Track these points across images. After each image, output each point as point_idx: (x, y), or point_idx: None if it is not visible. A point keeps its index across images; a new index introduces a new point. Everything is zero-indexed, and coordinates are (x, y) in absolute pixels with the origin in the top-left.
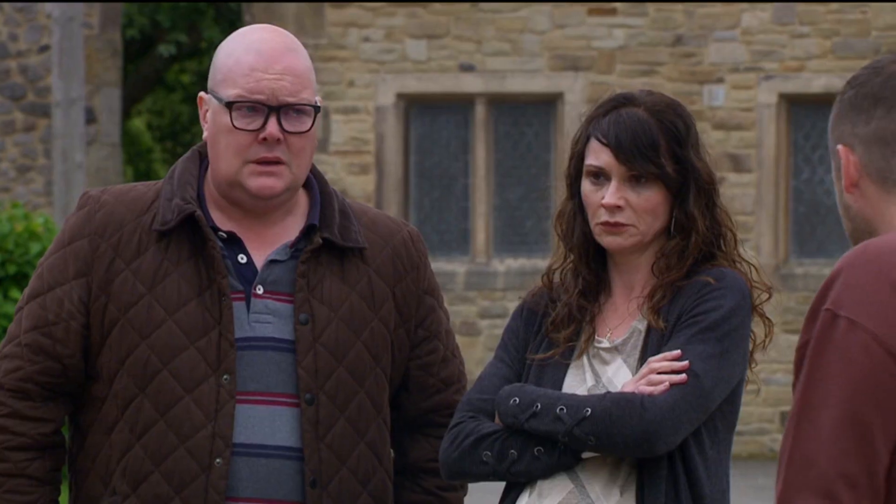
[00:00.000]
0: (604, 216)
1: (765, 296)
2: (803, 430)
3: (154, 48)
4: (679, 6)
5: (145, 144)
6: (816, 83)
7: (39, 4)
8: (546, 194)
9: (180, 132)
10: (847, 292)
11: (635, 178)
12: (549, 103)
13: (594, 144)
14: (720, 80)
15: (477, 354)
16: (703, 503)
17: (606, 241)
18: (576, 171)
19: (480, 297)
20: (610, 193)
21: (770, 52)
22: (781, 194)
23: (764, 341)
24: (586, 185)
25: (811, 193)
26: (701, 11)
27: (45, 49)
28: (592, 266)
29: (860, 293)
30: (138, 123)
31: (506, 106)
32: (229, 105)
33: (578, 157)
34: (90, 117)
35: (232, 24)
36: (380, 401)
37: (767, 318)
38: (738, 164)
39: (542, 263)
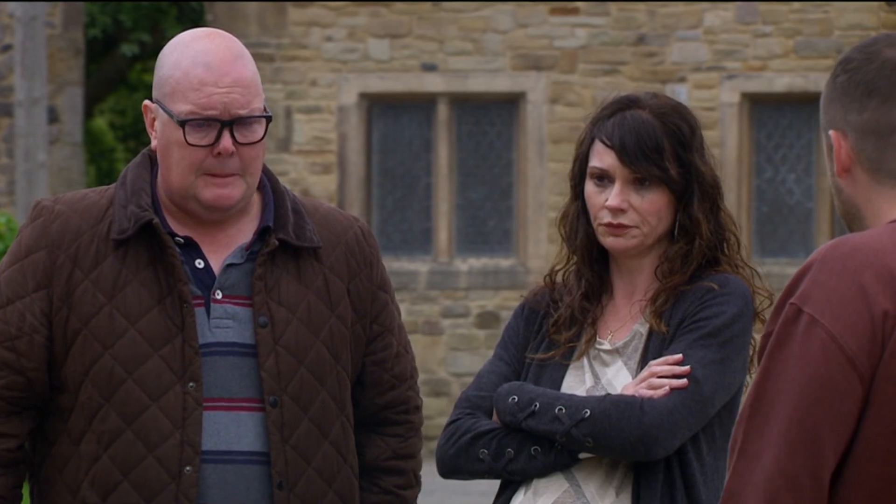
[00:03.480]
0: (607, 218)
1: (767, 302)
2: (754, 424)
3: (116, 48)
4: (641, 6)
5: (108, 144)
6: (779, 82)
7: (2, 4)
8: (508, 194)
9: (143, 132)
10: (814, 288)
11: (639, 181)
12: (511, 103)
13: (598, 146)
14: (682, 80)
15: (439, 354)
16: None
17: (609, 242)
18: (580, 172)
19: (443, 296)
20: (613, 195)
21: (732, 52)
22: (744, 194)
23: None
24: (590, 187)
25: (773, 193)
26: (663, 11)
27: (7, 48)
28: (595, 268)
29: (826, 291)
30: (101, 123)
31: (468, 105)
32: (182, 122)
33: (582, 158)
34: (53, 117)
35: (195, 23)
36: (342, 399)
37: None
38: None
39: (504, 263)
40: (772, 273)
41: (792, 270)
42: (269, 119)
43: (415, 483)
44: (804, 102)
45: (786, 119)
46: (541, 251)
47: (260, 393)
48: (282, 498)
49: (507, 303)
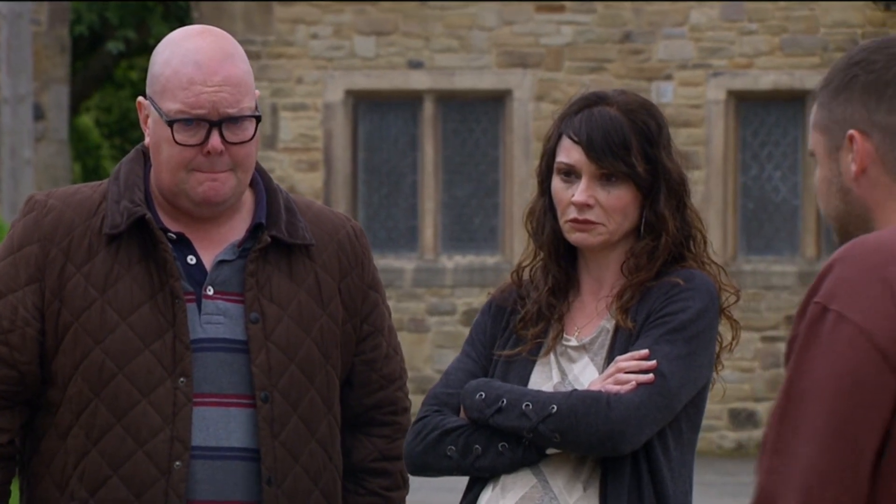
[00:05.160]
0: (573, 213)
1: (732, 298)
2: (787, 423)
3: (102, 45)
4: (627, 3)
5: (94, 141)
6: (765, 80)
7: None
8: (494, 191)
9: (128, 129)
10: (838, 286)
11: (606, 177)
12: (497, 100)
13: (565, 142)
14: (668, 77)
15: (425, 351)
16: (666, 502)
17: (575, 238)
18: (547, 168)
19: (429, 293)
20: (580, 191)
21: (718, 49)
22: (730, 191)
23: (731, 343)
24: (557, 183)
25: (759, 190)
26: (649, 8)
27: None
28: (562, 264)
29: (851, 287)
30: (87, 120)
31: (454, 103)
32: (170, 121)
33: (550, 154)
34: (38, 114)
35: (180, 20)
36: (330, 398)
37: (734, 320)
38: (686, 160)
39: (490, 260)
40: (758, 270)
41: (778, 268)
42: (259, 118)
43: (402, 484)
44: (790, 100)
45: (772, 116)
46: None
47: (250, 389)
48: (270, 494)
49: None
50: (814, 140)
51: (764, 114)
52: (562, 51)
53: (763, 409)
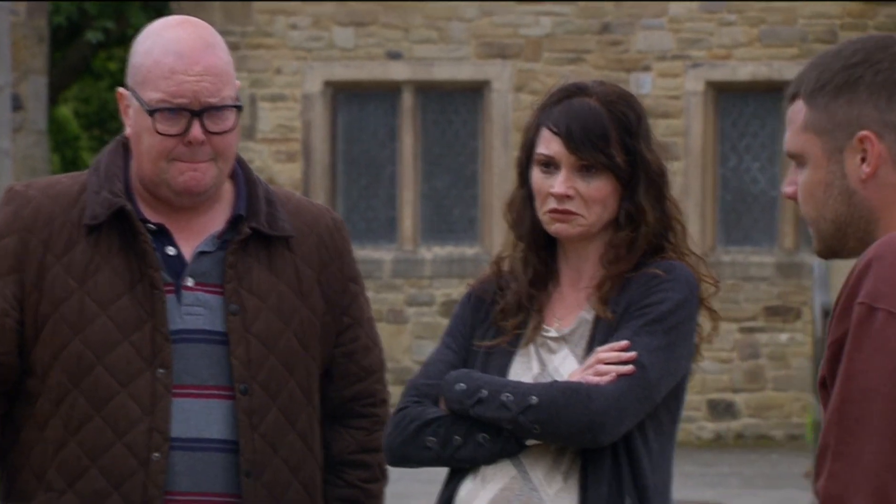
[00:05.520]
0: (552, 204)
1: (712, 289)
2: (846, 426)
3: (81, 36)
4: None
5: (72, 132)
6: (743, 71)
7: None
8: (473, 182)
9: (107, 120)
10: (882, 285)
11: (585, 168)
12: (476, 91)
13: (545, 133)
14: (647, 69)
15: (404, 342)
16: (646, 494)
17: (554, 228)
18: (526, 159)
19: (408, 284)
20: (559, 182)
21: (697, 41)
22: (709, 182)
23: (710, 334)
24: (536, 174)
25: (738, 181)
26: (628, 0)
27: None
28: (542, 255)
29: (895, 284)
30: (65, 111)
31: (433, 94)
32: (151, 110)
33: (529, 145)
34: (17, 104)
35: (159, 12)
36: (310, 390)
37: (714, 310)
38: (665, 152)
39: (469, 251)
40: (736, 262)
41: (756, 259)
42: (240, 108)
43: (381, 476)
44: (769, 91)
45: (750, 108)
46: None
47: (230, 381)
48: (249, 486)
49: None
50: (803, 142)
51: (742, 105)
52: (541, 42)
53: (741, 399)
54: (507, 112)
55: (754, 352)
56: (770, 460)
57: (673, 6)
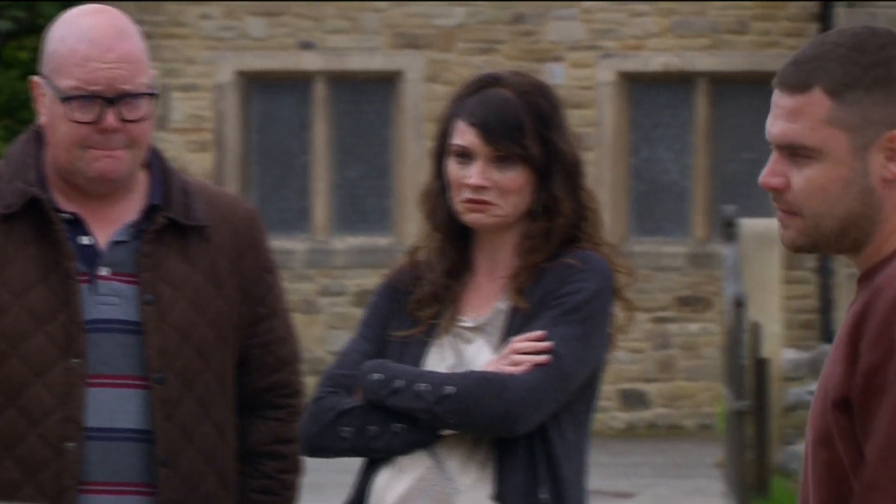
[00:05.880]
0: (468, 194)
1: (627, 279)
2: None
3: None
4: None
5: None
6: (655, 62)
7: None
8: (386, 172)
9: (18, 109)
10: None
11: (500, 159)
12: (388, 81)
13: (460, 124)
14: (559, 59)
15: (317, 333)
16: (561, 484)
17: (470, 218)
18: (442, 149)
19: (320, 275)
20: (475, 173)
21: (609, 31)
22: (621, 173)
23: (625, 324)
24: (452, 165)
25: (650, 172)
26: None
27: None
28: (457, 245)
29: None
30: None
31: (346, 84)
32: (66, 98)
33: (444, 136)
34: None
35: (70, 0)
36: (225, 380)
37: (628, 300)
38: (577, 142)
39: (382, 241)
40: (648, 252)
41: (668, 249)
42: (155, 95)
43: (296, 468)
44: (680, 81)
45: (662, 98)
46: (418, 230)
47: (145, 370)
48: (164, 476)
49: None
50: (825, 136)
51: (654, 95)
52: (453, 32)
53: (653, 389)
54: (420, 102)
55: (666, 342)
56: (681, 450)
57: None
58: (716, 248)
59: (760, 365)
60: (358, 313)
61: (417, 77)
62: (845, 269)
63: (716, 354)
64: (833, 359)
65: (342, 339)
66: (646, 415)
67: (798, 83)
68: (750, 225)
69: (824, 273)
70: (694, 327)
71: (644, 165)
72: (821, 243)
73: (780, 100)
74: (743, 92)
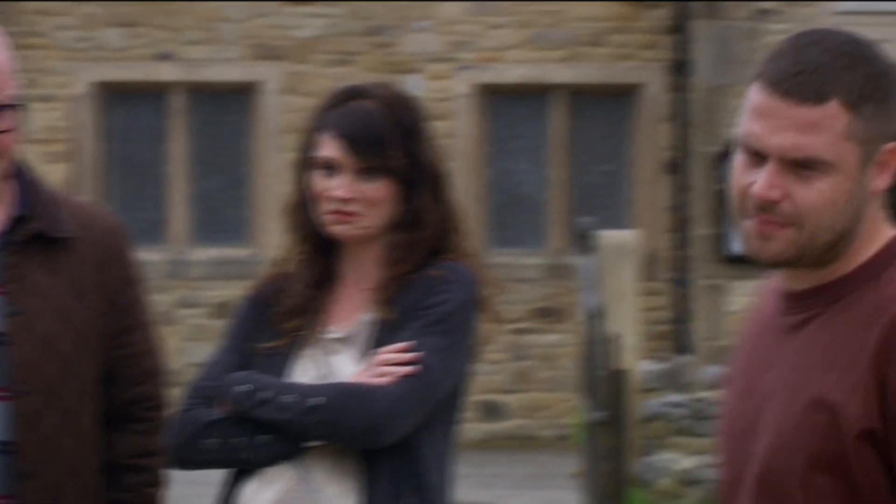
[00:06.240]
0: (333, 205)
1: (493, 290)
2: None
3: None
4: None
5: None
6: (512, 74)
7: None
8: (244, 183)
9: None
10: None
11: (365, 171)
12: (246, 92)
13: (325, 136)
14: (417, 71)
15: (175, 344)
16: (428, 493)
17: (335, 230)
18: (307, 161)
19: (178, 286)
20: (340, 185)
21: (466, 43)
22: (478, 184)
23: (490, 335)
24: (317, 176)
25: (507, 183)
26: (397, 2)
27: None
28: (323, 257)
29: None
30: None
31: (204, 95)
32: None
33: (309, 147)
34: None
35: None
36: (89, 392)
37: (494, 312)
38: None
39: (241, 252)
40: (506, 263)
41: (525, 261)
42: (18, 106)
43: (158, 481)
44: (537, 93)
45: (519, 110)
46: (277, 241)
47: (8, 382)
48: (26, 488)
49: (242, 293)
50: (842, 150)
51: (511, 107)
52: (310, 43)
53: (511, 400)
54: (278, 114)
55: (523, 353)
56: (539, 461)
57: (442, 9)
58: (573, 259)
59: (617, 376)
60: (216, 325)
61: (275, 88)
62: (702, 280)
63: (573, 365)
64: (844, 385)
65: (200, 350)
66: (503, 426)
67: (813, 94)
68: (607, 236)
69: (680, 284)
70: (551, 338)
71: (501, 177)
72: (806, 256)
73: (787, 111)
74: (599, 104)
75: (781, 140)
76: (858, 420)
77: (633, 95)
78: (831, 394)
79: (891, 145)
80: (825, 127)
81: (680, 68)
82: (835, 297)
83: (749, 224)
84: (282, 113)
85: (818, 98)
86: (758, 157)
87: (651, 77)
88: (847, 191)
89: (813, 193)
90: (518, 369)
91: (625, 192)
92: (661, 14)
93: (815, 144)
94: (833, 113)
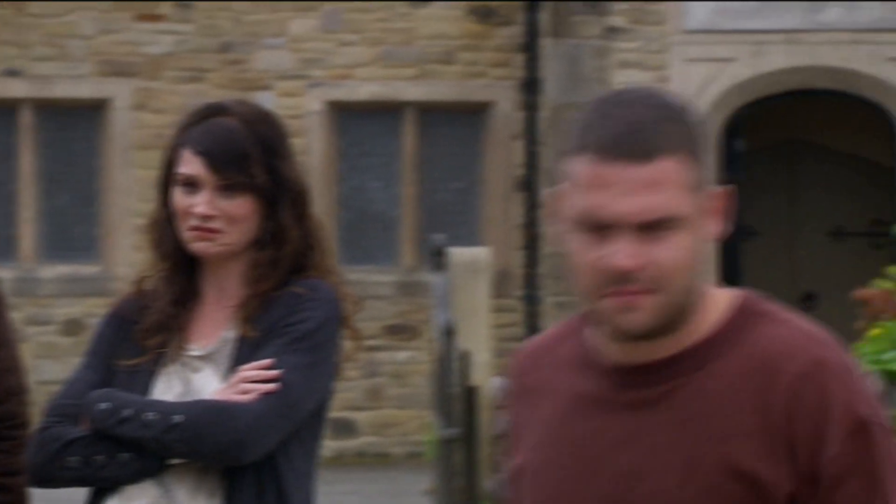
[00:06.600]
0: (195, 222)
1: (355, 308)
2: None
3: None
4: (226, 13)
5: None
6: (363, 91)
7: None
8: (94, 200)
9: None
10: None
11: (227, 187)
12: (96, 109)
13: (186, 153)
14: (268, 88)
15: (24, 362)
16: None
17: (197, 247)
18: (168, 178)
19: (27, 303)
20: (201, 202)
21: (317, 60)
22: (329, 201)
23: (352, 353)
24: (178, 193)
25: (358, 201)
26: (248, 19)
27: None
28: (185, 274)
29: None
30: None
31: (52, 111)
32: None
33: (170, 165)
34: None
35: None
36: None
37: (355, 329)
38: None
39: (91, 269)
40: (357, 281)
41: (377, 278)
42: None
43: (20, 500)
44: (389, 111)
45: (370, 127)
46: (127, 258)
47: None
48: None
49: (93, 310)
50: (686, 202)
51: (363, 124)
52: (161, 60)
53: (362, 417)
54: (128, 130)
55: (374, 370)
56: (390, 478)
57: (293, 26)
58: (424, 276)
59: (469, 393)
60: (66, 342)
61: (125, 105)
62: (551, 298)
63: (425, 382)
64: (759, 452)
65: (50, 368)
66: (354, 443)
67: (649, 151)
68: (458, 254)
69: (531, 301)
70: (403, 355)
71: (352, 194)
72: (668, 323)
73: (627, 173)
74: (450, 121)
75: (630, 205)
76: (783, 485)
77: (484, 113)
78: (746, 461)
79: (717, 190)
80: (668, 182)
81: (530, 86)
82: (697, 364)
83: (608, 302)
84: (132, 130)
85: (654, 154)
86: (601, 230)
87: (502, 95)
88: (695, 244)
89: (671, 253)
90: (370, 386)
91: (476, 210)
92: (512, 32)
93: (664, 202)
94: (668, 167)
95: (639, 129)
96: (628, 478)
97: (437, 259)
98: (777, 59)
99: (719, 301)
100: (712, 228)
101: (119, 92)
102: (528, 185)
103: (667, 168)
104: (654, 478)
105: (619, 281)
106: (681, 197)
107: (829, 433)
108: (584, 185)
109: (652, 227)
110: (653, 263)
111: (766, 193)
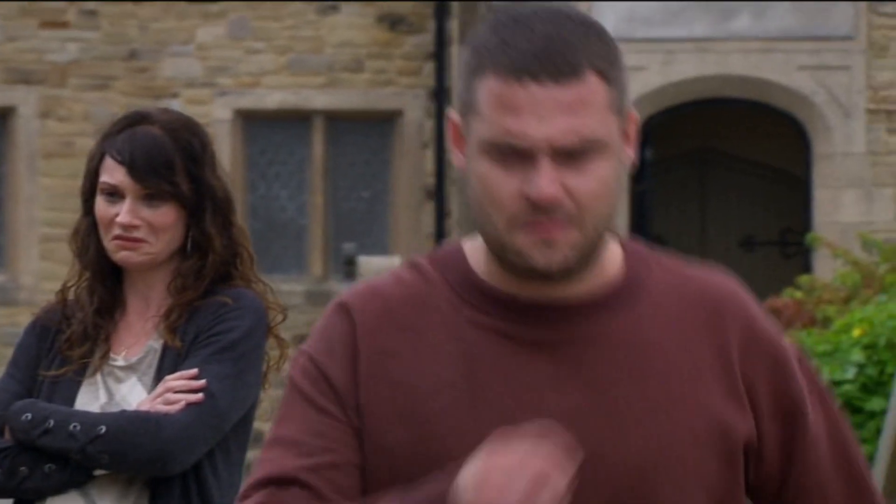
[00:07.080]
0: (118, 231)
1: (280, 317)
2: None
3: None
4: (133, 21)
5: None
6: (271, 99)
7: None
8: None
9: None
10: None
11: (150, 196)
12: (1, 117)
13: (109, 162)
14: (175, 95)
15: None
16: None
17: (120, 256)
18: (91, 187)
19: None
20: (124, 212)
21: (225, 68)
22: (239, 210)
23: (278, 362)
24: (101, 203)
25: (267, 209)
26: (155, 26)
27: None
28: (108, 283)
29: None
30: None
31: None
32: None
33: (93, 174)
34: None
35: None
36: None
37: (282, 338)
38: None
39: None
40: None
41: (287, 287)
42: None
43: None
44: (297, 119)
45: (279, 135)
46: (32, 267)
47: None
48: None
49: None
50: (609, 124)
51: (271, 133)
52: (67, 68)
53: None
54: (34, 138)
55: (285, 380)
56: None
57: (201, 33)
58: (333, 285)
59: None
60: None
61: (31, 113)
62: None
63: None
64: (724, 396)
65: None
66: None
67: (571, 70)
68: (368, 262)
69: None
70: None
71: (261, 203)
72: (583, 261)
73: (545, 94)
74: (359, 129)
75: (550, 128)
76: (741, 429)
77: (393, 121)
78: (715, 404)
79: (633, 114)
80: (593, 102)
81: (439, 95)
82: (622, 303)
83: (524, 236)
84: (38, 137)
85: (576, 72)
86: (515, 157)
87: (411, 103)
88: (616, 173)
89: (592, 182)
90: (279, 397)
91: (386, 218)
92: (421, 40)
93: (589, 125)
94: (592, 86)
95: (561, 45)
96: (572, 416)
97: (347, 268)
98: (687, 68)
99: (610, 241)
100: (629, 155)
101: (24, 100)
102: (438, 193)
103: (592, 87)
104: (600, 417)
105: (540, 212)
106: (606, 119)
107: (789, 368)
108: (495, 107)
109: (573, 154)
110: (572, 194)
111: (677, 202)
